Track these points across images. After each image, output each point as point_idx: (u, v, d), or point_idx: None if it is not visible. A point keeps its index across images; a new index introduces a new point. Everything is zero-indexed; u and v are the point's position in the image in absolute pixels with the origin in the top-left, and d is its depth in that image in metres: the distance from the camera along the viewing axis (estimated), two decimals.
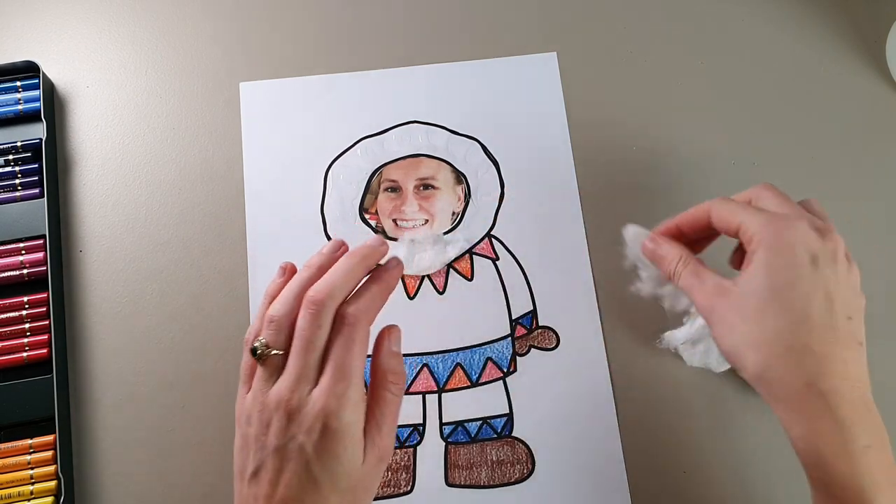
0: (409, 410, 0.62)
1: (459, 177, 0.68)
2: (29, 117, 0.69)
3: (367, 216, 0.67)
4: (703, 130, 0.70)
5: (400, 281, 0.64)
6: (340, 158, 0.68)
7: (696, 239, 0.55)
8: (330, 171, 0.68)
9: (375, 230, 0.66)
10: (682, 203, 0.66)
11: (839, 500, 0.44)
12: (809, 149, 0.70)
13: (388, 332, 0.49)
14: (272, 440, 0.44)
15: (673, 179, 0.69)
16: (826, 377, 0.44)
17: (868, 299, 0.64)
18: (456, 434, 0.62)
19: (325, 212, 0.67)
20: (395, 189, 0.67)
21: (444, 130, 0.69)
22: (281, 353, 0.45)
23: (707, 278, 0.49)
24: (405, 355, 0.63)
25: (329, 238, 0.66)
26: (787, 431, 0.46)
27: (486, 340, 0.64)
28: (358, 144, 0.68)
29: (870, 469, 0.43)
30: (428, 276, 0.65)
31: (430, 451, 0.61)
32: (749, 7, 0.74)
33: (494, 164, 0.68)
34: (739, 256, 0.53)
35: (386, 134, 0.69)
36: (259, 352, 0.45)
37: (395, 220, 0.66)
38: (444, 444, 0.61)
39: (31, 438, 0.61)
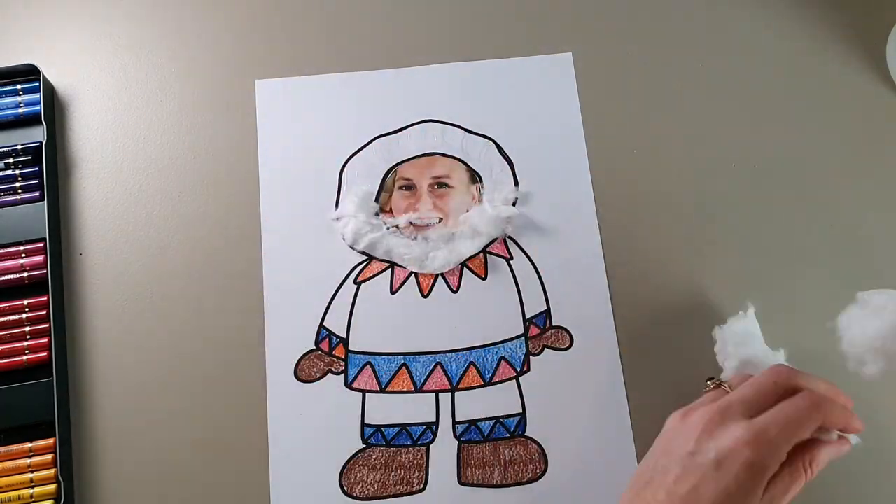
0: (422, 409, 0.67)
1: (474, 176, 0.73)
2: (29, 120, 0.73)
3: (381, 214, 0.72)
4: (703, 133, 0.75)
5: (414, 279, 0.70)
6: (355, 156, 0.73)
7: None
8: (345, 169, 0.73)
9: (389, 228, 0.71)
10: (685, 207, 0.73)
11: None
12: (810, 151, 0.75)
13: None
14: None
15: (675, 182, 0.74)
16: None
17: None
18: (469, 433, 0.66)
19: (339, 209, 0.72)
20: (409, 187, 0.73)
21: (459, 129, 0.74)
22: None
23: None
24: (419, 354, 0.68)
25: (343, 237, 0.71)
26: None
27: (499, 340, 0.68)
28: (373, 142, 0.74)
29: None
30: (442, 274, 0.70)
31: (443, 450, 0.66)
32: (750, 10, 0.79)
33: (509, 164, 0.73)
34: None
35: (401, 132, 0.74)
36: None
37: (409, 219, 0.72)
38: (456, 443, 0.66)
39: (31, 442, 0.64)
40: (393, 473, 0.65)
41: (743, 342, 0.66)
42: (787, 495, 0.51)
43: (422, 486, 0.65)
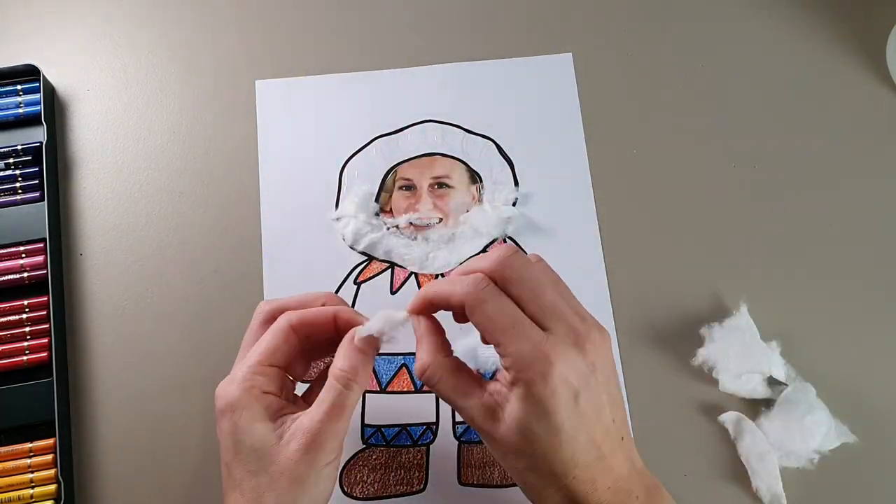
0: (422, 409, 0.67)
1: (474, 176, 0.73)
2: (29, 120, 0.73)
3: (381, 214, 0.72)
4: (703, 133, 0.76)
5: (414, 280, 0.70)
6: (355, 156, 0.74)
7: None
8: (345, 169, 0.73)
9: (390, 229, 0.72)
10: (685, 207, 0.73)
11: None
12: (810, 152, 0.75)
13: (356, 329, 0.53)
14: None
15: (675, 182, 0.74)
16: (596, 495, 0.47)
17: (868, 301, 0.71)
18: (469, 433, 0.66)
19: (339, 209, 0.72)
20: (409, 187, 0.73)
21: (459, 130, 0.74)
22: None
23: (473, 397, 0.49)
24: None
25: (343, 237, 0.71)
26: None
27: None
28: (373, 143, 0.74)
29: None
30: (442, 275, 0.70)
31: (443, 450, 0.66)
32: (750, 10, 0.80)
33: (509, 164, 0.73)
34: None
35: (401, 132, 0.74)
36: None
37: (409, 219, 0.72)
38: (457, 443, 0.66)
39: (31, 442, 0.65)
40: (393, 473, 0.65)
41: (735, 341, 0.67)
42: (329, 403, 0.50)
43: (422, 486, 0.65)
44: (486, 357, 0.65)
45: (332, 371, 0.51)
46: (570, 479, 0.47)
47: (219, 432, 0.51)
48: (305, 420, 0.49)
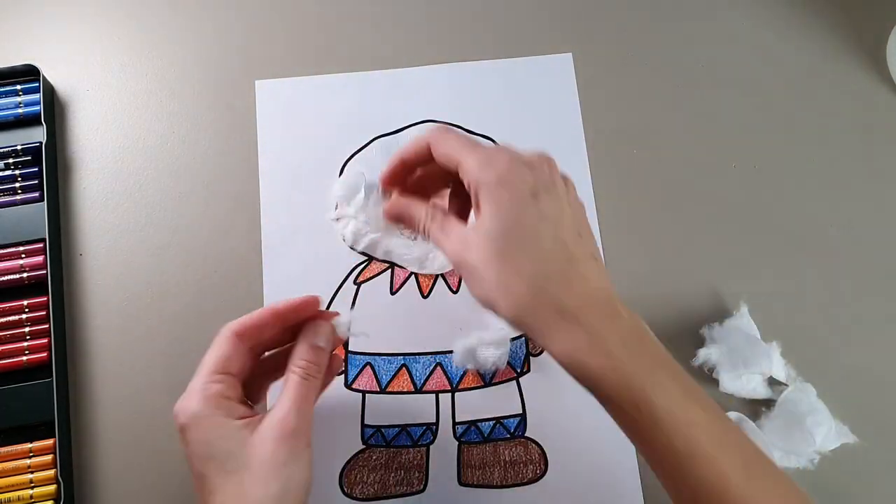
0: (422, 409, 0.67)
1: None
2: (29, 121, 0.73)
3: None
4: (704, 133, 0.76)
5: (414, 280, 0.70)
6: (356, 157, 0.73)
7: (426, 175, 0.59)
8: (345, 170, 0.73)
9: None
10: (685, 207, 0.73)
11: (615, 400, 0.49)
12: (810, 152, 0.75)
13: (314, 326, 0.55)
14: None
15: (675, 182, 0.74)
16: (572, 299, 0.48)
17: (868, 300, 0.71)
18: (469, 434, 0.67)
19: (339, 209, 0.71)
20: None
21: (459, 130, 0.72)
22: None
23: (452, 231, 0.53)
24: (419, 354, 0.68)
25: (343, 237, 0.71)
26: (548, 351, 0.50)
27: None
28: (373, 142, 0.74)
29: (629, 361, 0.48)
30: (442, 275, 0.70)
31: (443, 451, 0.66)
32: (750, 10, 0.80)
33: None
34: (457, 203, 0.58)
35: (401, 133, 0.74)
36: None
37: None
38: (457, 443, 0.66)
39: (31, 442, 0.65)
40: (393, 474, 0.66)
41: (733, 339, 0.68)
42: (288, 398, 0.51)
43: (422, 486, 0.65)
44: (485, 357, 0.65)
45: (291, 368, 0.53)
46: (543, 279, 0.48)
47: (185, 445, 0.50)
48: (275, 412, 0.51)
